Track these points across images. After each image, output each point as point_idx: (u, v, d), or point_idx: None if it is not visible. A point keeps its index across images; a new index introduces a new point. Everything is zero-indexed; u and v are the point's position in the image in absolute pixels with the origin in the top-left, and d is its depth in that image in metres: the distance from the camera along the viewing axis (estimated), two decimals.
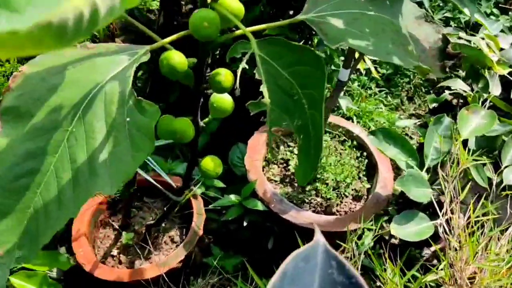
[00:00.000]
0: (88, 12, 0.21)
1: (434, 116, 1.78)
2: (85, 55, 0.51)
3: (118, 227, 1.33)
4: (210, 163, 0.75)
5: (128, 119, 0.48)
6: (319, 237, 0.35)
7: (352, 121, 1.72)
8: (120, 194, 1.22)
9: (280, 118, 0.48)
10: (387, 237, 1.39)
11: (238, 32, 0.55)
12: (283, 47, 0.49)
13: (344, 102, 1.64)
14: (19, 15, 0.20)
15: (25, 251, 0.47)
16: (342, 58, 1.73)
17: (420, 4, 1.03)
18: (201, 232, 1.24)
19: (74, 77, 0.49)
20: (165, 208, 1.10)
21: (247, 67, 0.48)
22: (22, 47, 0.19)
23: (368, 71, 1.89)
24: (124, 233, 1.30)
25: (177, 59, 0.55)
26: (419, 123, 1.81)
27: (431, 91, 1.93)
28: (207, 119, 0.73)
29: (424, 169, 1.11)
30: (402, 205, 1.51)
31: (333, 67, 1.70)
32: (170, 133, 0.64)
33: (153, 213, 1.39)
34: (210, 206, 1.31)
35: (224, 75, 0.60)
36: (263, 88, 0.48)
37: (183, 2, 1.63)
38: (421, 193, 1.04)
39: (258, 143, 1.33)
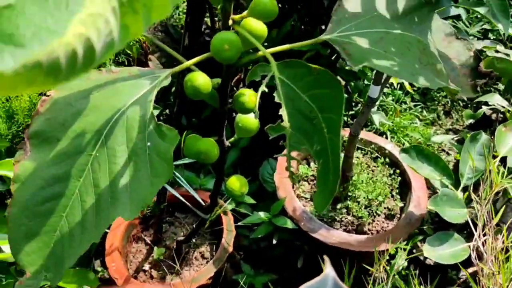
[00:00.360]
0: (81, 49, 0.21)
1: (472, 131, 1.73)
2: (109, 80, 0.52)
3: (150, 242, 1.34)
4: (236, 183, 0.75)
5: (149, 143, 0.48)
6: (328, 271, 0.34)
7: (386, 137, 1.69)
8: (151, 210, 1.24)
9: (300, 142, 0.47)
10: (422, 257, 1.35)
11: (259, 53, 0.54)
12: (302, 69, 0.49)
13: (377, 117, 1.61)
14: (24, 50, 0.20)
15: (51, 273, 0.48)
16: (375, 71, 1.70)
17: (458, 17, 1.00)
18: (231, 249, 1.24)
19: (97, 102, 0.50)
20: (194, 225, 1.10)
21: (266, 90, 0.47)
22: (14, 86, 0.19)
23: (402, 85, 1.85)
24: (155, 248, 1.31)
25: (200, 80, 0.56)
26: (456, 138, 1.75)
27: (469, 105, 1.87)
28: (233, 139, 0.74)
29: (460, 188, 1.07)
30: (438, 223, 1.46)
31: (366, 82, 1.68)
32: (195, 153, 0.65)
33: (184, 228, 1.40)
34: (240, 223, 1.30)
35: (248, 96, 0.60)
36: (283, 112, 0.48)
37: (206, 22, 1.66)
38: (456, 214, 1.00)
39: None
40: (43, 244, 0.48)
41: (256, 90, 0.55)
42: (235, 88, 0.68)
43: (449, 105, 1.90)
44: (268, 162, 1.53)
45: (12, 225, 0.47)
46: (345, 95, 1.80)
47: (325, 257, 0.39)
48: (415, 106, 1.86)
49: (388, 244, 1.09)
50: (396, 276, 1.26)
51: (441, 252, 1.00)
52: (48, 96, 0.51)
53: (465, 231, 1.31)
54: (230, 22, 0.55)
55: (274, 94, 0.49)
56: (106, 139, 0.48)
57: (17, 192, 0.47)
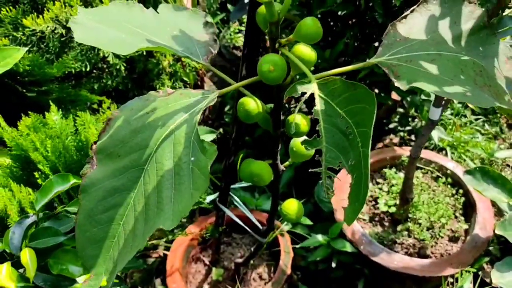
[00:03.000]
0: None
1: None
2: (164, 100, 0.55)
3: (208, 263, 1.36)
4: (291, 207, 0.76)
5: (192, 158, 0.51)
6: None
7: (446, 153, 1.63)
8: (210, 234, 1.26)
9: (336, 157, 0.48)
10: (488, 280, 1.29)
11: (306, 80, 0.55)
12: (341, 86, 0.50)
13: (435, 133, 1.56)
14: None
15: (108, 276, 0.52)
16: None
17: None
18: (289, 271, 1.24)
19: (152, 120, 0.54)
20: (252, 248, 1.11)
21: (305, 106, 0.50)
22: None
23: None
24: (214, 269, 1.33)
25: (252, 104, 0.58)
26: None
27: None
28: (287, 163, 0.74)
29: None
30: (505, 244, 1.39)
31: (423, 96, 1.64)
32: (248, 176, 0.66)
33: (241, 249, 1.41)
34: (297, 246, 1.30)
35: (300, 120, 0.62)
36: (320, 128, 0.49)
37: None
38: None
39: (344, 181, 1.30)
40: (104, 249, 0.52)
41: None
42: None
43: None
44: None
45: (79, 231, 0.52)
46: (401, 110, 1.76)
47: None
48: (476, 119, 1.79)
49: (455, 269, 1.05)
50: None
51: (510, 279, 0.95)
52: (113, 115, 0.55)
53: None
54: (277, 45, 0.56)
55: (313, 111, 0.49)
56: (156, 154, 0.52)
57: (83, 202, 0.51)
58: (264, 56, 0.54)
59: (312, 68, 0.95)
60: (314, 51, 0.57)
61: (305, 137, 0.60)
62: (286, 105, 1.55)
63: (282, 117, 0.67)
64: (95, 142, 0.54)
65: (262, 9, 0.56)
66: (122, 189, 0.52)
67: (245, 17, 2.20)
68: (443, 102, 0.97)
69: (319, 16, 1.40)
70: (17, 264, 0.69)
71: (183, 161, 0.52)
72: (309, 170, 0.65)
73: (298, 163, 1.59)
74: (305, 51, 0.57)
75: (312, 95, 0.52)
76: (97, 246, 0.52)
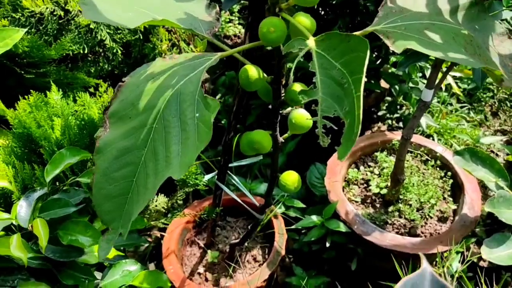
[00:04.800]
0: None
1: None
2: (170, 64, 0.59)
3: (203, 246, 1.38)
4: (289, 178, 0.79)
5: (197, 114, 0.55)
6: (425, 266, 0.36)
7: (433, 139, 1.68)
8: (207, 214, 1.28)
9: (331, 106, 0.51)
10: (475, 260, 1.34)
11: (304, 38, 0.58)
12: (336, 39, 0.53)
13: (423, 120, 1.60)
14: None
15: (124, 228, 0.56)
16: (420, 74, 1.70)
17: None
18: (283, 252, 1.27)
19: (158, 82, 0.57)
20: (249, 227, 1.14)
21: (302, 60, 0.52)
22: None
23: (448, 86, 1.84)
24: (209, 251, 1.35)
25: (253, 71, 0.62)
26: (505, 139, 1.72)
27: None
28: (286, 135, 0.77)
29: None
30: (490, 225, 1.45)
31: (411, 84, 1.68)
32: (249, 144, 0.70)
33: (235, 232, 1.43)
34: (293, 227, 1.33)
35: (298, 87, 0.65)
36: (316, 80, 0.52)
37: None
38: None
39: (337, 163, 1.34)
40: (119, 204, 0.56)
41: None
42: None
43: (496, 105, 1.87)
44: (315, 166, 1.55)
45: (95, 189, 0.55)
46: (389, 98, 1.80)
47: (421, 254, 0.41)
48: (461, 107, 1.84)
49: (445, 247, 1.09)
50: (449, 279, 1.25)
51: (499, 254, 0.99)
52: (123, 82, 0.58)
53: None
54: (277, 9, 0.59)
55: (309, 64, 0.52)
56: (163, 112, 0.56)
57: (98, 162, 0.55)
58: (265, 19, 0.58)
59: None
60: (312, 20, 0.61)
61: (302, 88, 0.63)
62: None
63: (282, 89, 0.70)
64: (106, 108, 0.58)
65: None
66: (134, 148, 0.56)
67: (235, 7, 2.22)
68: (436, 84, 1.00)
69: None
70: (25, 236, 0.71)
71: (188, 117, 0.55)
72: (306, 119, 0.68)
73: (291, 149, 1.62)
74: (305, 20, 0.60)
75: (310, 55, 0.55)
76: (113, 202, 0.56)
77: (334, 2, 1.46)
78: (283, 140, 0.80)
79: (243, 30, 2.14)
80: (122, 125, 0.57)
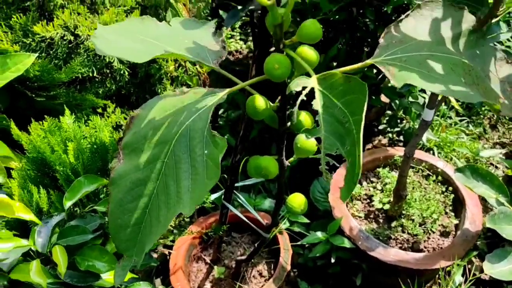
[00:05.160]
0: None
1: None
2: (180, 99, 0.61)
3: (209, 261, 1.40)
4: (296, 201, 0.81)
5: (206, 151, 0.57)
6: None
7: (433, 152, 1.71)
8: (214, 231, 1.30)
9: (333, 144, 0.53)
10: (477, 273, 1.36)
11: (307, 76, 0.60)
12: (338, 79, 0.55)
13: (424, 134, 1.63)
14: None
15: (138, 257, 0.58)
16: (420, 89, 1.73)
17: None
18: (289, 268, 1.29)
19: (170, 118, 0.59)
20: (256, 244, 1.16)
21: (305, 99, 0.55)
22: None
23: (447, 100, 1.87)
24: (216, 267, 1.37)
25: (260, 102, 0.64)
26: (504, 152, 1.75)
27: None
28: (292, 159, 0.79)
29: None
30: (491, 238, 1.47)
31: (411, 99, 1.71)
32: (256, 169, 0.72)
33: (241, 247, 1.46)
34: (299, 243, 1.35)
35: (304, 116, 0.68)
36: (319, 118, 0.54)
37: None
38: None
39: (341, 179, 1.36)
40: (134, 234, 0.58)
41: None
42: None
43: (494, 118, 1.90)
44: (318, 181, 1.58)
45: (111, 219, 0.58)
46: (389, 112, 1.83)
47: None
48: (460, 121, 1.87)
49: (448, 261, 1.11)
50: None
51: (500, 269, 1.01)
52: (135, 114, 0.60)
53: None
54: (281, 46, 0.62)
55: (312, 103, 0.54)
56: (174, 148, 0.58)
57: (113, 192, 0.57)
58: (270, 56, 0.60)
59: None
60: (316, 52, 0.63)
61: (306, 116, 0.66)
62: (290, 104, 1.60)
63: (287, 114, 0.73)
64: (120, 139, 0.60)
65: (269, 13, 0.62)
66: (146, 180, 0.58)
67: (236, 23, 2.25)
68: (436, 103, 1.03)
69: None
70: (43, 261, 0.73)
71: (197, 154, 0.58)
72: (309, 156, 0.71)
73: (293, 163, 1.64)
74: (308, 52, 0.63)
75: (312, 89, 0.57)
76: (128, 232, 0.58)
77: (333, 19, 1.49)
78: (289, 164, 0.82)
79: (244, 46, 2.17)
80: (135, 157, 0.59)
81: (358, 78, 0.54)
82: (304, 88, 0.57)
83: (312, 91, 0.57)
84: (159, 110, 0.62)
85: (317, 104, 0.54)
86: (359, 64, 0.64)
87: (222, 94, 0.62)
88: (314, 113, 0.67)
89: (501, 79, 0.71)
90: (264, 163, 0.73)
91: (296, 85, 0.58)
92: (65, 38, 1.09)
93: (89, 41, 1.12)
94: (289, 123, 0.72)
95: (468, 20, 0.68)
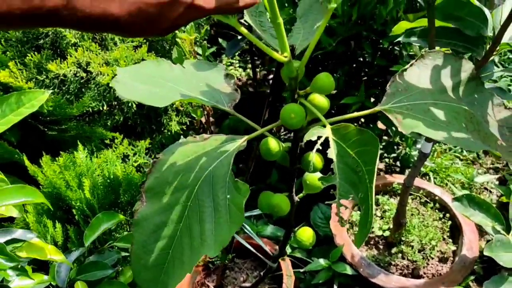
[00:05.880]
0: None
1: None
2: (201, 145, 0.65)
3: None
4: (305, 235, 0.85)
5: (228, 196, 0.60)
6: None
7: (428, 178, 1.76)
8: (220, 259, 1.33)
9: (348, 191, 0.57)
10: None
11: (321, 124, 0.64)
12: (351, 131, 0.59)
13: None
14: None
15: None
16: None
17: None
18: None
19: (192, 163, 0.63)
20: (261, 273, 1.19)
21: (321, 148, 0.59)
22: None
23: None
24: None
25: (273, 144, 0.68)
26: (497, 177, 1.81)
27: None
28: (301, 194, 0.83)
29: (511, 233, 1.14)
30: (488, 262, 1.51)
31: None
32: (269, 206, 0.75)
33: (244, 273, 1.48)
34: (302, 270, 1.38)
35: (315, 159, 0.72)
36: (334, 166, 0.58)
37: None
38: (511, 259, 1.06)
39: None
40: (156, 273, 0.60)
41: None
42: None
43: None
44: (318, 207, 1.62)
45: (134, 259, 0.60)
46: (386, 138, 1.89)
47: None
48: (455, 146, 1.93)
49: (445, 287, 1.15)
50: None
51: None
52: (158, 158, 0.64)
53: None
54: (296, 96, 0.66)
55: (328, 152, 0.58)
56: (197, 192, 0.61)
57: (136, 234, 0.60)
58: (286, 106, 0.65)
59: None
60: (327, 100, 0.68)
61: (320, 174, 0.70)
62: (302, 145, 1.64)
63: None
64: (143, 183, 0.64)
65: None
66: (170, 223, 0.61)
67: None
68: None
69: (312, 56, 1.52)
70: None
71: (220, 198, 0.61)
72: (325, 203, 0.75)
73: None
74: (320, 100, 0.67)
75: (326, 138, 0.61)
76: (150, 271, 0.61)
77: (332, 51, 1.55)
78: (298, 200, 0.86)
79: (243, 73, 2.23)
80: (158, 200, 0.61)
81: (370, 132, 0.58)
82: (319, 137, 0.62)
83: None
84: (180, 155, 0.65)
85: (332, 153, 0.58)
86: (369, 111, 0.68)
87: (241, 141, 0.66)
88: (323, 154, 0.71)
89: (500, 124, 0.75)
90: (276, 201, 0.77)
91: (311, 135, 0.62)
92: (77, 75, 1.13)
93: (100, 76, 1.16)
94: (300, 163, 0.77)
95: (467, 68, 0.73)
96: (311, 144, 0.62)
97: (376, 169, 0.55)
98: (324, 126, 0.62)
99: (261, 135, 0.73)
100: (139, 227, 0.61)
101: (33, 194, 0.61)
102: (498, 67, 0.99)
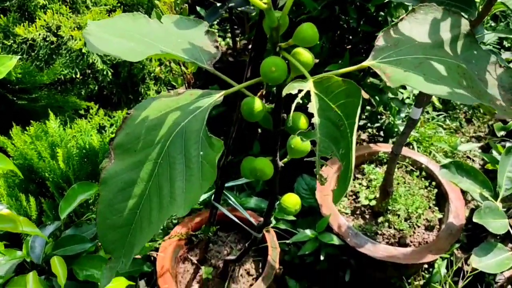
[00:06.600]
0: None
1: (497, 139, 1.78)
2: (175, 100, 0.60)
3: (196, 262, 1.40)
4: (291, 201, 0.81)
5: (201, 152, 0.56)
6: None
7: (412, 147, 1.74)
8: (202, 232, 1.29)
9: (328, 147, 0.53)
10: (460, 265, 1.40)
11: (303, 79, 0.60)
12: (334, 83, 0.55)
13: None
14: None
15: (126, 258, 0.57)
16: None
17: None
18: (277, 266, 1.29)
19: (164, 118, 0.59)
20: (246, 244, 1.16)
21: (301, 102, 0.55)
22: None
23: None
24: (203, 267, 1.36)
25: (256, 104, 0.63)
26: (479, 145, 1.80)
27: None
28: (286, 159, 0.80)
29: (499, 199, 1.13)
30: (472, 230, 1.51)
31: (390, 95, 1.74)
32: (252, 171, 0.71)
33: (227, 246, 1.45)
34: (289, 241, 1.35)
35: (299, 118, 0.68)
36: (315, 121, 0.54)
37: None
38: (499, 225, 1.05)
39: (327, 177, 1.37)
40: (123, 234, 0.57)
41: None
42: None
43: (470, 113, 1.95)
44: (302, 178, 1.59)
45: (100, 219, 0.56)
46: (369, 107, 1.86)
47: None
48: (437, 115, 1.92)
49: (435, 255, 1.14)
50: (436, 284, 1.31)
51: (487, 262, 1.05)
52: (129, 113, 0.59)
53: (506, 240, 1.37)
54: (278, 48, 0.62)
55: (308, 106, 0.54)
56: (168, 149, 0.57)
57: (103, 193, 0.56)
58: (266, 59, 0.60)
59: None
60: (311, 55, 0.63)
61: (301, 117, 0.66)
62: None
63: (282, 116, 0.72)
64: (112, 139, 0.59)
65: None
66: (139, 181, 0.57)
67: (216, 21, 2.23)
68: (425, 100, 1.05)
69: (296, 21, 1.46)
70: (39, 272, 0.71)
71: (193, 155, 0.57)
72: (304, 159, 0.71)
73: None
74: (304, 54, 0.63)
75: (308, 92, 0.57)
76: (117, 232, 0.57)
77: (316, 17, 1.49)
78: (283, 165, 0.82)
79: (223, 42, 2.16)
80: (128, 157, 0.58)
81: (353, 82, 0.54)
82: (300, 91, 0.57)
83: (307, 93, 0.57)
84: (153, 111, 0.61)
85: (313, 107, 0.54)
86: (356, 66, 0.64)
87: (218, 95, 0.61)
88: (308, 114, 0.67)
89: (496, 83, 0.73)
90: (259, 165, 0.73)
91: (292, 88, 0.57)
92: (47, 39, 1.05)
93: (72, 41, 1.08)
94: (283, 125, 0.73)
95: (463, 24, 0.69)
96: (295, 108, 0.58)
97: (357, 122, 0.51)
98: (307, 79, 0.58)
99: (242, 95, 0.68)
100: (106, 185, 0.57)
101: (2, 161, 0.55)
102: (487, 30, 0.96)
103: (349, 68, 0.65)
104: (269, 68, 0.59)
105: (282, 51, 0.63)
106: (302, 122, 0.68)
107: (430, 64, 0.65)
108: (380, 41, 0.69)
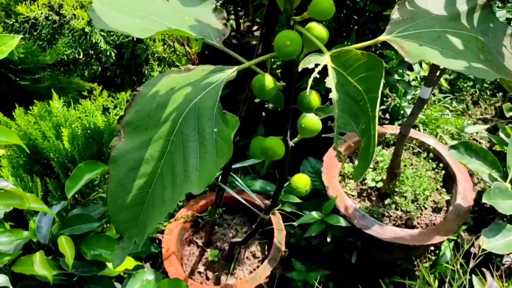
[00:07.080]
0: None
1: (504, 121, 1.76)
2: (186, 76, 0.59)
3: (201, 244, 1.39)
4: (301, 181, 0.80)
5: (215, 129, 0.55)
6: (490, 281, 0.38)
7: (418, 129, 1.73)
8: (209, 215, 1.28)
9: (347, 123, 0.52)
10: (466, 246, 1.39)
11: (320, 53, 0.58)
12: (352, 57, 0.53)
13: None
14: None
15: (138, 238, 0.56)
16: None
17: None
18: (283, 248, 1.29)
19: (176, 95, 0.57)
20: (253, 226, 1.15)
21: (318, 76, 0.52)
22: None
23: None
24: (209, 250, 1.36)
25: (267, 81, 0.62)
26: (487, 127, 1.79)
27: (497, 95, 1.90)
28: (296, 139, 0.78)
29: (508, 180, 1.11)
30: (479, 212, 1.50)
31: (397, 76, 1.72)
32: (262, 150, 0.70)
33: (233, 229, 1.45)
34: (295, 223, 1.35)
35: (312, 96, 0.66)
36: (333, 96, 0.52)
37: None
38: (508, 206, 1.04)
39: (333, 159, 1.36)
40: (135, 214, 0.56)
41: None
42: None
43: (476, 95, 1.93)
44: (307, 161, 1.57)
45: (111, 199, 0.55)
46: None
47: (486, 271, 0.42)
48: (444, 97, 1.89)
49: (442, 237, 1.13)
50: (444, 265, 1.31)
51: (496, 243, 1.04)
52: (138, 90, 0.57)
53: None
54: (292, 22, 0.60)
55: (326, 80, 0.52)
56: (181, 126, 0.55)
57: (113, 172, 0.55)
58: (280, 32, 0.58)
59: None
60: (326, 30, 0.61)
61: (315, 96, 0.64)
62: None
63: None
64: (121, 117, 0.57)
65: None
66: (150, 159, 0.55)
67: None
68: (435, 79, 1.03)
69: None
70: (46, 252, 0.70)
71: (206, 132, 0.55)
72: (322, 136, 0.69)
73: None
74: (318, 29, 0.61)
75: (325, 67, 0.55)
76: (128, 212, 0.56)
77: None
78: (293, 145, 0.80)
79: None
80: (138, 135, 0.56)
81: (374, 55, 0.52)
82: (316, 65, 0.55)
83: (323, 68, 0.55)
84: (163, 87, 0.59)
85: (331, 82, 0.52)
86: (372, 41, 0.63)
87: (231, 71, 0.60)
88: (320, 92, 0.65)
89: None
90: (270, 145, 0.71)
91: (308, 62, 0.55)
92: (49, 18, 1.03)
93: (74, 20, 1.06)
94: (295, 104, 0.71)
95: None
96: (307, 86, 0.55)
97: (379, 96, 0.49)
98: (323, 53, 0.56)
99: (253, 72, 0.66)
100: (116, 164, 0.55)
101: (7, 134, 0.54)
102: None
103: (364, 43, 0.63)
104: (284, 42, 0.57)
105: (296, 25, 0.61)
106: (315, 99, 0.66)
107: (448, 38, 0.63)
108: (395, 14, 0.66)
